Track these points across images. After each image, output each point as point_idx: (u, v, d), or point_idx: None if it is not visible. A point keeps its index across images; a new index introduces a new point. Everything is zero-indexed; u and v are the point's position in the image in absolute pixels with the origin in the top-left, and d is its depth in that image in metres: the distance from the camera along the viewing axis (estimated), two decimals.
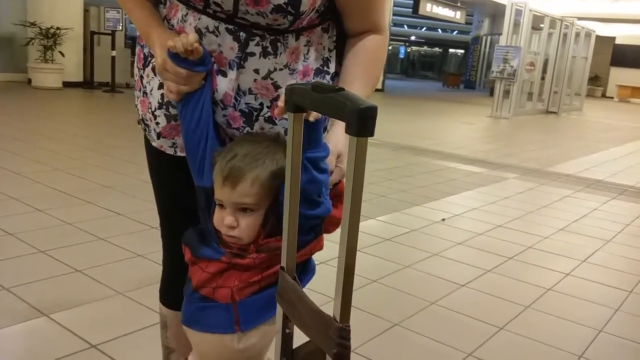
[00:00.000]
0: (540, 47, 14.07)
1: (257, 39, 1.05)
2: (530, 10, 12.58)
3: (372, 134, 0.67)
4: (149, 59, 1.16)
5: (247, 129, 1.11)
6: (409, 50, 38.32)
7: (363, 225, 3.65)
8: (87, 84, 10.57)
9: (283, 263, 0.89)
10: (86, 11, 10.63)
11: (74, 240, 2.92)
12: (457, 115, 12.56)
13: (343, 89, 0.72)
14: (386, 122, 9.42)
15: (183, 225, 1.35)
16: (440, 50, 37.55)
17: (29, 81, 10.11)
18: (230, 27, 1.04)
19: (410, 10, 19.32)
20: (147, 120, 1.22)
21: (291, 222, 0.85)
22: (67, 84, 10.10)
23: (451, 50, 36.47)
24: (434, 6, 18.80)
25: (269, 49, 1.06)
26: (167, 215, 1.36)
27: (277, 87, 1.08)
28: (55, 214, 3.28)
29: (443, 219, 3.96)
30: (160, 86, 1.14)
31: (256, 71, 1.07)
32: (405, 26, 32.50)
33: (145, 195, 1.25)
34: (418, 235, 3.58)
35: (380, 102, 13.74)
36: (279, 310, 0.89)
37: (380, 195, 4.51)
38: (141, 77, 1.19)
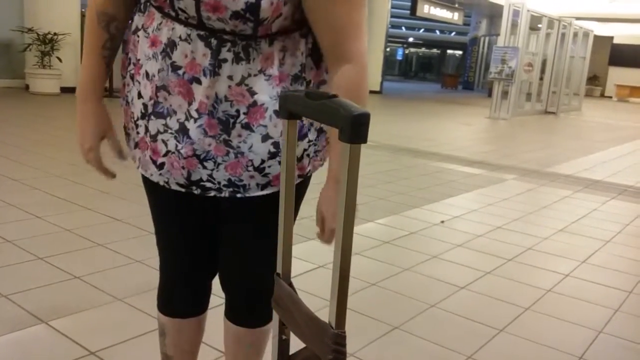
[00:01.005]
0: (539, 47, 14.09)
1: (229, 44, 1.04)
2: (528, 10, 12.60)
3: (365, 141, 0.66)
4: (129, 66, 1.16)
5: (224, 136, 1.09)
6: (407, 52, 38.37)
7: (362, 228, 3.64)
8: None
9: (279, 269, 0.88)
10: (83, 16, 10.61)
11: (73, 247, 2.92)
12: (456, 117, 12.57)
13: (336, 96, 0.72)
14: (384, 124, 9.42)
15: (176, 234, 1.34)
16: (439, 51, 37.60)
17: (27, 87, 10.11)
18: (202, 33, 1.04)
19: (408, 12, 19.35)
20: (129, 129, 1.21)
21: (286, 228, 0.85)
22: (64, 90, 10.09)
23: (449, 51, 36.51)
24: (432, 8, 18.83)
25: (241, 55, 1.05)
26: (159, 223, 1.36)
27: (252, 93, 1.08)
28: (54, 221, 3.27)
29: (442, 221, 3.95)
30: (139, 96, 1.13)
31: (230, 77, 1.06)
32: (403, 28, 32.55)
33: (143, 200, 1.26)
34: (417, 238, 3.58)
35: (378, 104, 13.76)
36: (275, 317, 0.89)
37: (379, 197, 4.51)
38: (124, 85, 1.19)
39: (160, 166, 1.15)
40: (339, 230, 0.70)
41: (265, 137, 1.10)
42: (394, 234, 3.59)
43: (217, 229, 1.29)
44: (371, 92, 16.56)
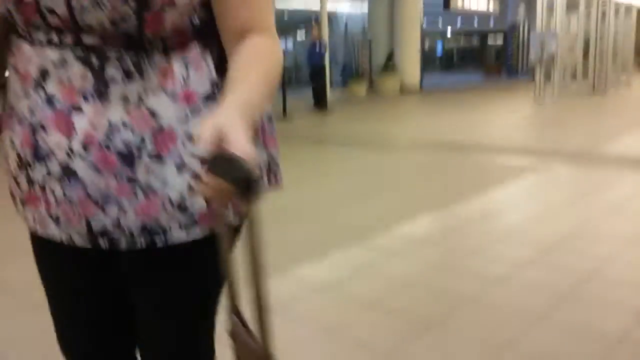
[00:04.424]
0: (579, 27, 13.79)
1: (114, 58, 0.87)
2: None
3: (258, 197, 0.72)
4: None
5: (127, 173, 0.89)
6: (445, 46, 37.99)
7: (405, 229, 3.76)
8: None
9: (228, 304, 0.93)
10: None
11: None
12: (500, 105, 12.45)
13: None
14: (425, 122, 9.47)
15: (84, 331, 1.10)
16: (479, 40, 37.05)
17: None
18: (79, 54, 0.87)
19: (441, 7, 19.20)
20: (12, 187, 0.99)
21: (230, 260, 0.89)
22: None
23: (490, 38, 35.93)
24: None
25: (132, 70, 0.88)
26: (63, 323, 1.11)
27: (155, 115, 0.89)
28: None
29: (484, 214, 4.03)
30: (13, 146, 0.94)
31: (125, 99, 0.87)
32: (439, 22, 32.26)
33: None
34: (461, 233, 3.67)
35: (419, 101, 13.76)
36: (233, 352, 0.93)
37: (420, 196, 4.60)
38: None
39: (57, 220, 0.93)
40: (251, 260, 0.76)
41: (181, 167, 0.91)
42: (439, 231, 3.69)
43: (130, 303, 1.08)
44: (410, 91, 16.50)
